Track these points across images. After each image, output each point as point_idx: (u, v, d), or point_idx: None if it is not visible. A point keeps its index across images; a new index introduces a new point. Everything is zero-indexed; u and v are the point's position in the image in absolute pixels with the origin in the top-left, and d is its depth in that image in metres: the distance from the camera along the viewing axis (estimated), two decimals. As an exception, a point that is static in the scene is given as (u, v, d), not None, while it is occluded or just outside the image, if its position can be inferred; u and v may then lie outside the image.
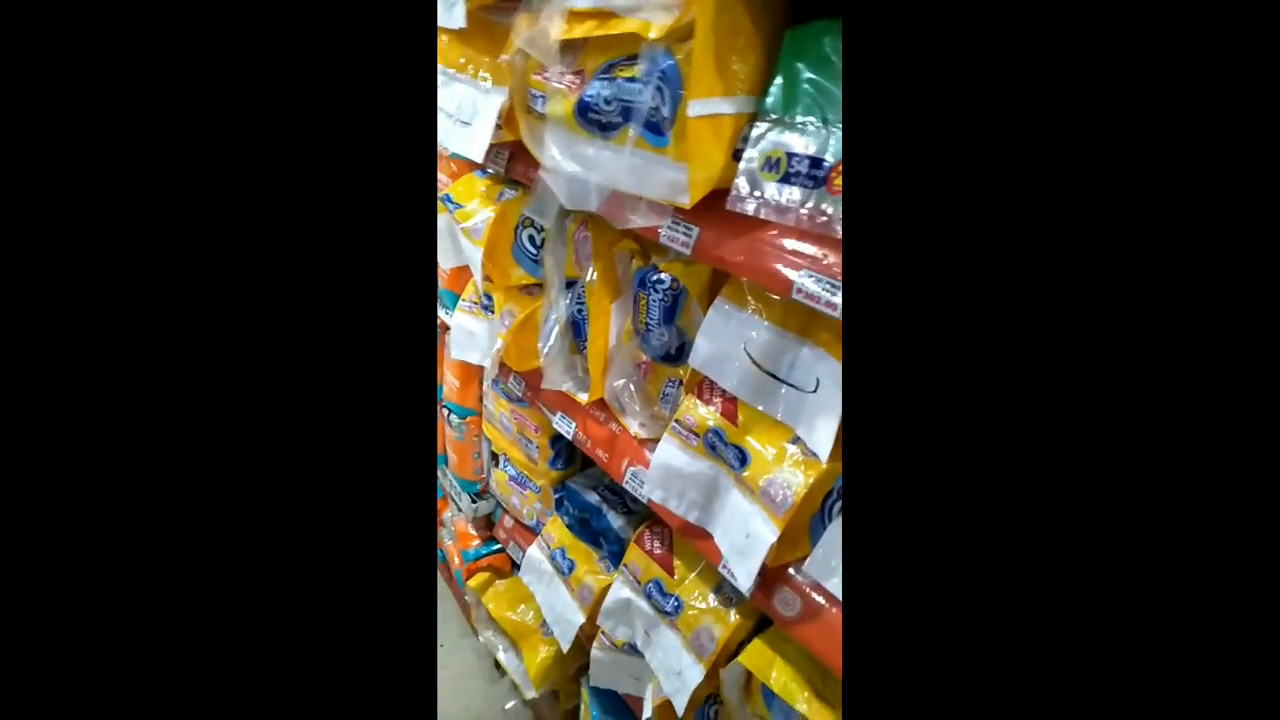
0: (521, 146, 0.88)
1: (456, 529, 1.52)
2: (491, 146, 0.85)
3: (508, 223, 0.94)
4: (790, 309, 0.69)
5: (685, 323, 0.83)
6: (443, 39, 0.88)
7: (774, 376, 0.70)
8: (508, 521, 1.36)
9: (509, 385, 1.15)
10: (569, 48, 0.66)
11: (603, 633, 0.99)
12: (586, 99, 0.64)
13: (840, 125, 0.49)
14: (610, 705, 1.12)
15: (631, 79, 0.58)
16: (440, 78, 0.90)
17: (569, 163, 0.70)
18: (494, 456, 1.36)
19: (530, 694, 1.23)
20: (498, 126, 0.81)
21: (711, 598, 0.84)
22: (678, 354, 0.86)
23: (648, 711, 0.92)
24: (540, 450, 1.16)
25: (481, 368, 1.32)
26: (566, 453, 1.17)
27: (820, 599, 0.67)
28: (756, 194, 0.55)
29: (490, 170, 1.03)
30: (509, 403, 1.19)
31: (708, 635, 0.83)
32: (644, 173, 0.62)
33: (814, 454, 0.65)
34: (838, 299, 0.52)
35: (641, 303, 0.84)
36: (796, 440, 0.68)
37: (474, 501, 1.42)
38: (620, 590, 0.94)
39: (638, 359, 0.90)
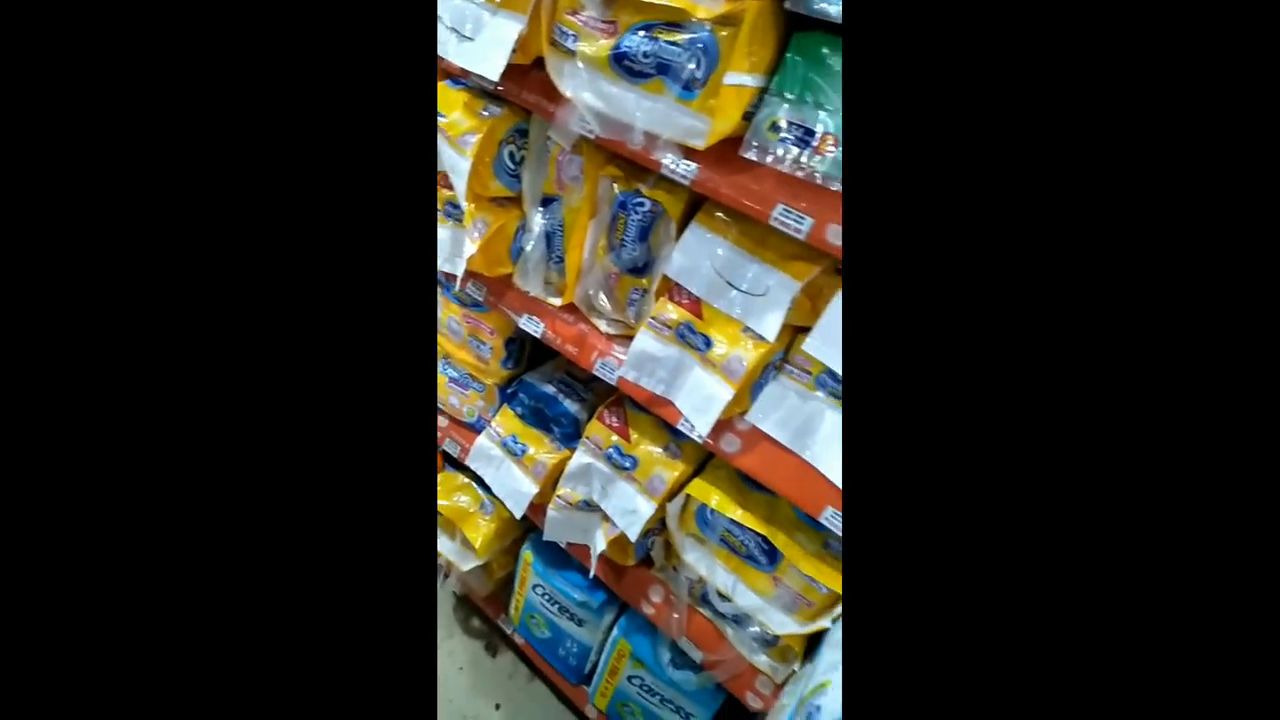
0: (517, 68, 0.99)
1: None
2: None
3: (494, 138, 1.05)
4: (747, 234, 0.94)
5: (654, 241, 1.05)
6: (447, -48, 0.93)
7: (731, 284, 0.96)
8: (442, 421, 1.47)
9: (465, 291, 1.25)
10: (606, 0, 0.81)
11: (559, 496, 1.21)
12: (624, 48, 0.80)
13: (826, 107, 0.74)
14: (551, 558, 1.36)
15: (672, 42, 0.77)
16: (440, -12, 0.95)
17: (593, 98, 0.86)
18: (430, 360, 1.44)
19: (470, 565, 1.41)
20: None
21: (661, 453, 1.11)
22: (644, 268, 1.07)
23: (601, 546, 1.17)
24: (494, 351, 1.29)
25: (422, 275, 1.38)
26: (517, 354, 1.33)
27: (753, 439, 0.98)
28: (759, 145, 0.79)
29: (467, 84, 1.10)
30: (461, 308, 1.29)
31: (659, 480, 1.10)
32: (667, 118, 0.81)
33: (761, 338, 0.93)
34: (804, 226, 0.78)
35: (620, 221, 1.04)
36: (746, 330, 0.96)
37: (404, 404, 1.49)
38: (582, 458, 1.17)
39: (608, 271, 1.10)
